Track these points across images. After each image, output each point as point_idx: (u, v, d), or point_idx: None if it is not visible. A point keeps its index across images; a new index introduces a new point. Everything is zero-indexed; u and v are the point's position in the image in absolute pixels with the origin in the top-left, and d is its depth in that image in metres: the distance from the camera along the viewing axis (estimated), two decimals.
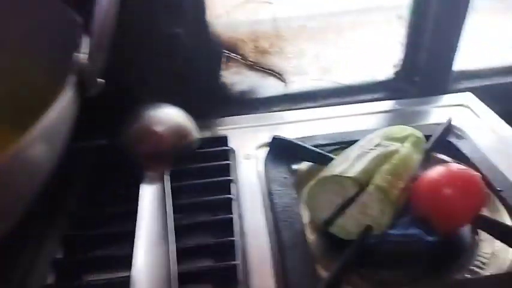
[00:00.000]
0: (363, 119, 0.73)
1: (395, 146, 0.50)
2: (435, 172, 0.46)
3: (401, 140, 0.52)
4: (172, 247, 0.43)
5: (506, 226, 0.44)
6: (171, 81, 0.70)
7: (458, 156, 0.60)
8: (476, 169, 0.56)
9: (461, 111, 0.72)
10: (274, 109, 0.78)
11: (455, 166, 0.46)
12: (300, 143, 0.60)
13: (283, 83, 0.79)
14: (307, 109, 0.77)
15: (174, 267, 0.41)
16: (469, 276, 0.45)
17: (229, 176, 0.55)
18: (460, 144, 0.61)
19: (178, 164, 0.56)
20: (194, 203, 0.51)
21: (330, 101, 0.80)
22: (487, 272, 0.45)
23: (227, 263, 0.43)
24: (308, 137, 0.64)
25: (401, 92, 0.82)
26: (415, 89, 0.82)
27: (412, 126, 0.63)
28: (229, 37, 0.72)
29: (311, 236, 0.50)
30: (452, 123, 0.67)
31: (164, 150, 0.54)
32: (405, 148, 0.50)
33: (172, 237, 0.44)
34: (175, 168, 0.55)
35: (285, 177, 0.56)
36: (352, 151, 0.50)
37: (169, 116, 0.58)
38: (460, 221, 0.44)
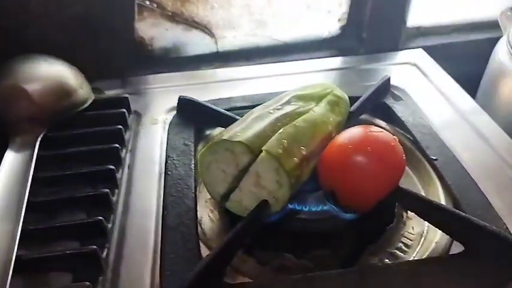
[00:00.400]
0: (301, 78, 0.64)
1: (305, 106, 0.42)
2: (344, 136, 0.38)
3: (317, 99, 0.44)
4: (17, 227, 0.35)
5: (424, 199, 0.37)
6: (73, 33, 0.60)
7: (393, 119, 0.52)
8: (410, 134, 0.49)
9: (408, 70, 0.64)
10: (204, 68, 0.69)
11: (369, 129, 0.38)
12: (209, 105, 0.51)
13: (212, 39, 0.70)
14: (240, 67, 0.68)
15: (10, 252, 0.33)
16: (386, 261, 0.38)
17: (118, 143, 0.46)
18: (397, 107, 0.53)
19: (57, 128, 0.47)
20: (69, 174, 0.43)
21: (267, 60, 0.71)
22: (409, 256, 0.38)
23: (85, 248, 0.35)
24: (225, 98, 0.56)
25: (347, 50, 0.73)
26: (363, 47, 0.73)
27: (352, 86, 0.56)
28: None
29: (208, 214, 0.43)
30: (395, 82, 0.59)
31: (37, 112, 0.45)
32: (318, 108, 0.42)
33: (19, 216, 0.36)
34: (52, 133, 0.46)
35: (187, 144, 0.47)
36: (254, 112, 0.42)
37: (47, 71, 0.48)
38: (372, 194, 0.36)
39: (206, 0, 0.66)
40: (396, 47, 0.72)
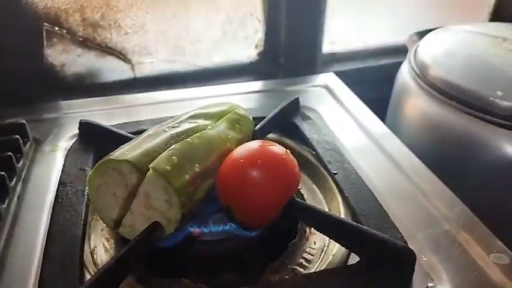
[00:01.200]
0: (220, 100, 0.64)
1: (203, 123, 0.41)
2: (237, 151, 0.37)
3: (216, 117, 0.43)
4: None
5: (316, 210, 0.37)
6: None
7: (299, 137, 0.53)
8: (314, 150, 0.49)
9: (320, 93, 0.66)
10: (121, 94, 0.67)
11: (261, 143, 0.37)
12: (113, 128, 0.49)
13: (128, 65, 0.69)
14: (159, 91, 0.67)
15: None
16: (286, 277, 0.37)
17: (6, 172, 0.43)
18: (304, 125, 0.54)
19: None
20: None
21: (188, 86, 0.71)
22: (309, 271, 0.37)
23: None
24: (133, 122, 0.54)
25: (267, 75, 0.74)
26: (281, 72, 0.75)
27: (266, 108, 0.56)
28: (47, 7, 0.60)
29: (103, 243, 0.40)
30: (307, 104, 0.60)
31: None
32: (216, 126, 0.42)
33: None
34: None
35: (83, 169, 0.45)
36: (149, 131, 0.40)
37: None
38: (265, 207, 0.36)
39: (119, 26, 0.65)
40: (313, 72, 0.75)
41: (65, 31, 0.62)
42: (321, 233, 0.38)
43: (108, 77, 0.69)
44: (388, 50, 0.84)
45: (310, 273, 0.36)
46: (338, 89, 0.66)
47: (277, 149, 0.37)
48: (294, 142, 0.53)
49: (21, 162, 0.47)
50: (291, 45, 0.74)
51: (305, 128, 0.53)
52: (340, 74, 0.75)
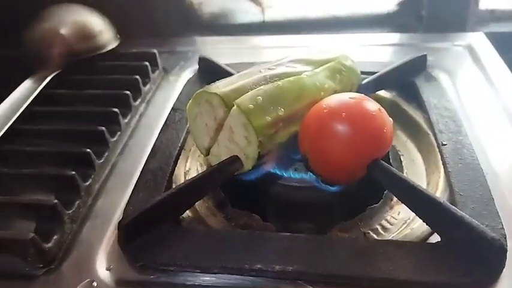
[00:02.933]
0: (348, 50, 0.61)
1: (300, 69, 0.40)
2: (325, 101, 0.35)
3: (317, 64, 0.41)
4: None
5: (398, 177, 0.33)
6: None
7: (416, 99, 0.47)
8: (427, 115, 0.44)
9: (461, 53, 0.57)
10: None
11: (353, 96, 0.35)
12: (226, 67, 0.52)
13: (258, 8, 0.70)
14: (287, 35, 0.67)
15: None
16: (348, 235, 0.35)
17: (132, 91, 0.49)
18: (425, 86, 0.48)
19: (76, 71, 0.52)
20: (71, 111, 0.47)
21: (316, 33, 0.69)
22: (381, 238, 0.35)
23: (65, 172, 0.38)
24: (248, 63, 0.56)
25: (405, 28, 0.67)
26: (421, 27, 0.67)
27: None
28: None
29: (197, 167, 0.44)
30: (440, 64, 0.53)
31: (52, 50, 0.51)
32: (313, 73, 0.40)
33: None
34: (69, 74, 0.51)
35: None
36: (250, 70, 0.41)
37: (74, 17, 0.53)
38: (342, 163, 0.34)
39: None
40: (462, 30, 0.64)
41: None
42: (401, 201, 0.35)
43: (240, 18, 0.71)
44: None
45: (377, 240, 0.34)
46: (484, 51, 0.56)
47: (368, 104, 0.34)
48: (407, 103, 0.48)
49: (147, 86, 0.53)
50: None
51: (425, 89, 0.47)
52: (497, 36, 0.64)
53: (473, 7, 0.66)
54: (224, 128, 0.38)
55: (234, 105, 0.36)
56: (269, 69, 0.40)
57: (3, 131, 0.43)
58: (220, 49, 0.64)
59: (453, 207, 0.31)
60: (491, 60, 0.54)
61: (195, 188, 0.35)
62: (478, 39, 0.59)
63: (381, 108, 0.34)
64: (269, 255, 0.31)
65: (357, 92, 0.43)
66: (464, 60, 0.55)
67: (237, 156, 0.37)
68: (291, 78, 0.38)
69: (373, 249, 0.31)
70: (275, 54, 0.59)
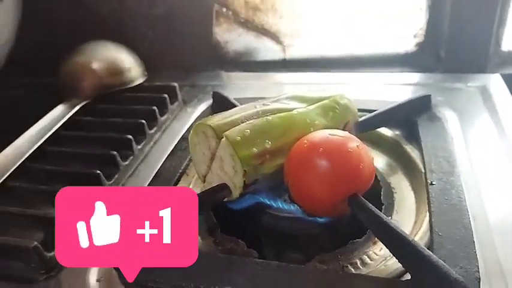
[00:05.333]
0: (364, 89, 0.63)
1: (292, 105, 0.43)
2: (309, 135, 0.37)
3: (311, 102, 0.44)
4: None
5: (373, 213, 0.34)
6: (159, 31, 0.72)
7: (415, 137, 0.48)
8: (422, 154, 0.44)
9: (470, 94, 0.57)
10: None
11: (334, 133, 0.36)
12: (235, 102, 0.55)
13: (280, 46, 0.74)
14: (306, 73, 0.71)
15: None
16: (325, 267, 0.36)
17: (147, 120, 0.54)
18: (425, 126, 0.48)
19: (102, 101, 0.58)
20: (90, 136, 0.53)
21: (337, 71, 0.71)
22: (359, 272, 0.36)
23: None
24: (258, 97, 0.59)
25: (423, 69, 0.68)
26: (440, 67, 0.67)
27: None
28: None
29: None
30: (449, 105, 0.53)
31: (84, 82, 0.57)
32: (305, 110, 0.42)
33: None
34: (96, 103, 0.57)
35: None
36: (247, 105, 0.44)
37: (107, 54, 0.60)
38: (318, 195, 0.35)
39: (275, 10, 0.70)
40: (481, 71, 0.64)
41: (230, 12, 0.71)
42: (376, 237, 0.35)
43: (262, 56, 0.75)
44: None
45: (346, 273, 0.34)
46: (497, 93, 0.55)
47: (346, 141, 0.35)
48: (408, 142, 0.48)
49: (165, 117, 0.58)
50: (456, 38, 0.64)
51: (426, 129, 0.47)
52: None
53: (495, 48, 0.65)
54: (216, 158, 0.41)
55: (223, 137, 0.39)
56: (264, 104, 0.43)
57: (32, 150, 0.48)
58: (240, 84, 0.69)
59: (421, 246, 0.31)
60: (504, 103, 0.53)
61: None
62: (493, 80, 0.59)
63: (361, 145, 0.36)
64: (240, 280, 0.33)
65: (354, 129, 0.45)
66: (475, 101, 0.55)
67: (225, 184, 0.40)
68: (282, 114, 0.41)
69: (340, 283, 0.32)
70: (293, 91, 0.63)
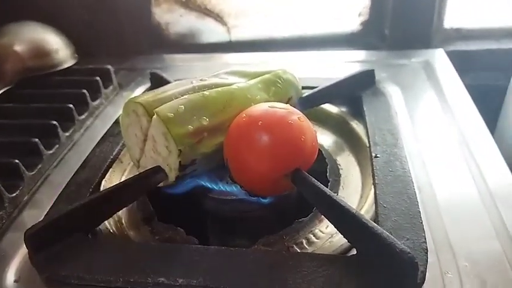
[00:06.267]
0: (312, 68, 0.61)
1: (231, 80, 0.40)
2: (248, 109, 0.35)
3: (252, 76, 0.41)
4: None
5: (316, 186, 0.32)
6: (95, 12, 0.67)
7: (357, 111, 0.46)
8: (366, 128, 0.43)
9: (413, 69, 0.57)
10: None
11: (273, 106, 0.34)
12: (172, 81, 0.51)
13: (224, 27, 0.70)
14: (252, 53, 0.68)
15: None
16: (270, 249, 0.33)
17: (77, 105, 0.49)
18: (369, 101, 0.47)
19: (26, 85, 0.53)
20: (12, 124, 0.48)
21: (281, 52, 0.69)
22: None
23: None
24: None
25: (368, 47, 0.67)
26: (385, 45, 0.67)
27: None
28: None
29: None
30: (393, 80, 0.53)
31: (5, 66, 0.52)
32: (245, 85, 0.39)
33: None
34: (18, 89, 0.52)
35: None
36: (183, 81, 0.41)
37: (33, 35, 0.54)
38: (258, 170, 0.33)
39: None
40: (425, 48, 0.64)
41: None
42: (320, 213, 0.34)
43: (206, 37, 0.72)
44: None
45: (290, 253, 0.32)
46: (440, 68, 0.56)
47: (286, 113, 0.33)
48: (353, 118, 0.47)
49: (97, 101, 0.53)
50: (400, 15, 0.64)
51: (369, 103, 0.46)
52: (462, 54, 0.64)
53: (437, 25, 0.66)
54: (148, 138, 0.37)
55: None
56: (201, 80, 0.40)
57: None
58: (182, 66, 0.65)
59: (366, 218, 0.29)
60: (446, 76, 0.54)
61: (110, 198, 0.34)
62: (437, 56, 0.59)
63: (302, 117, 0.34)
64: (175, 269, 0.30)
65: (297, 104, 0.43)
66: (419, 76, 0.55)
67: (159, 166, 0.36)
68: (219, 89, 0.38)
69: (284, 263, 0.30)
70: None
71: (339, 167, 0.42)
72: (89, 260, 0.31)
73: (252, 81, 0.40)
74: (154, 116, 0.35)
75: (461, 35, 0.68)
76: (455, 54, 0.61)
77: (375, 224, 0.29)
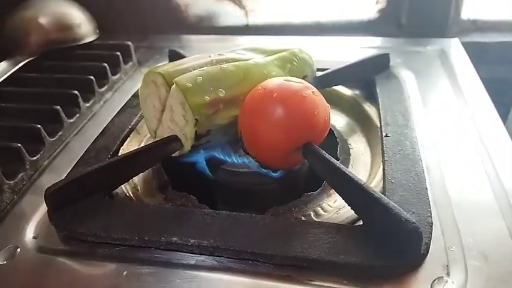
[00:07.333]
0: (328, 51, 0.62)
1: (249, 56, 0.41)
2: (262, 83, 0.36)
3: (270, 53, 0.42)
4: None
5: (327, 160, 0.33)
6: None
7: (372, 94, 0.47)
8: (378, 108, 0.44)
9: (428, 57, 0.57)
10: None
11: (289, 79, 0.35)
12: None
13: (242, 11, 0.71)
14: (269, 36, 0.69)
15: None
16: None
17: (97, 78, 0.51)
18: (382, 83, 0.48)
19: (50, 57, 0.54)
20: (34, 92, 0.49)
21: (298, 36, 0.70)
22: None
23: None
24: None
25: (385, 35, 0.67)
26: (401, 34, 0.67)
27: None
28: None
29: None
30: (408, 66, 0.53)
31: (29, 38, 0.53)
32: (262, 61, 0.40)
33: None
34: (41, 60, 0.53)
35: None
36: (201, 55, 0.42)
37: (57, 9, 0.56)
38: (271, 142, 0.33)
39: None
40: (442, 37, 0.64)
41: None
42: (329, 185, 0.34)
43: (224, 21, 0.73)
44: None
45: (297, 220, 0.33)
46: (455, 56, 0.56)
47: (301, 87, 0.34)
48: (365, 100, 0.48)
49: (117, 76, 0.55)
50: (417, 5, 0.64)
51: (383, 86, 0.47)
52: (478, 46, 0.64)
53: (454, 16, 0.66)
54: (166, 108, 0.38)
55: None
56: (219, 54, 0.41)
57: None
58: (200, 46, 0.66)
59: (373, 189, 0.30)
60: (461, 65, 0.54)
61: (128, 162, 0.36)
62: (452, 45, 0.59)
63: (316, 92, 0.35)
64: (188, 230, 0.31)
65: (312, 83, 0.44)
66: (433, 63, 0.55)
67: (176, 135, 0.38)
68: (237, 63, 0.39)
69: (292, 229, 0.31)
70: None
71: (350, 146, 0.43)
72: (105, 219, 0.33)
73: (269, 58, 0.41)
74: (173, 86, 0.36)
75: (478, 26, 0.68)
76: (470, 46, 0.61)
77: (382, 195, 0.30)
